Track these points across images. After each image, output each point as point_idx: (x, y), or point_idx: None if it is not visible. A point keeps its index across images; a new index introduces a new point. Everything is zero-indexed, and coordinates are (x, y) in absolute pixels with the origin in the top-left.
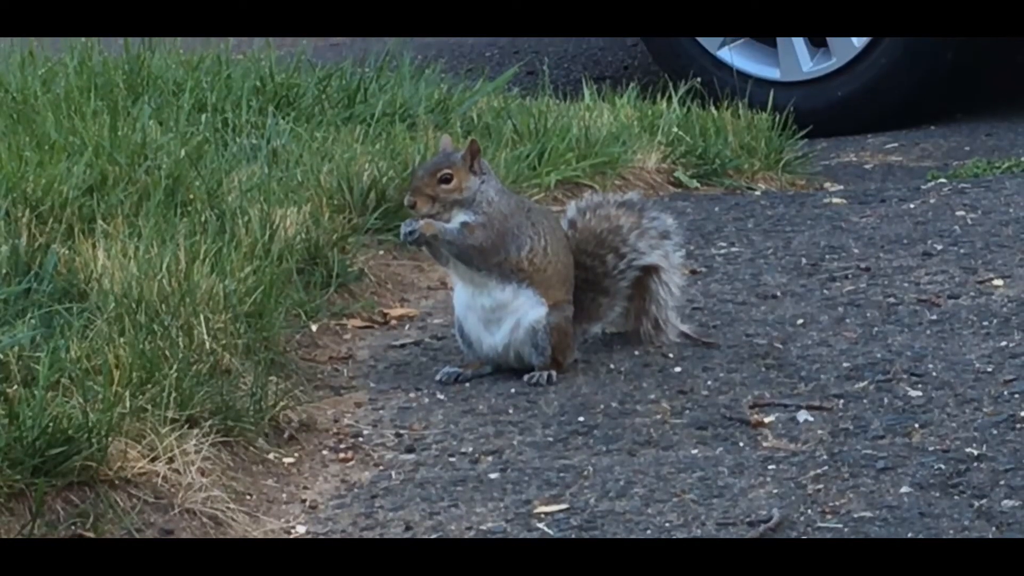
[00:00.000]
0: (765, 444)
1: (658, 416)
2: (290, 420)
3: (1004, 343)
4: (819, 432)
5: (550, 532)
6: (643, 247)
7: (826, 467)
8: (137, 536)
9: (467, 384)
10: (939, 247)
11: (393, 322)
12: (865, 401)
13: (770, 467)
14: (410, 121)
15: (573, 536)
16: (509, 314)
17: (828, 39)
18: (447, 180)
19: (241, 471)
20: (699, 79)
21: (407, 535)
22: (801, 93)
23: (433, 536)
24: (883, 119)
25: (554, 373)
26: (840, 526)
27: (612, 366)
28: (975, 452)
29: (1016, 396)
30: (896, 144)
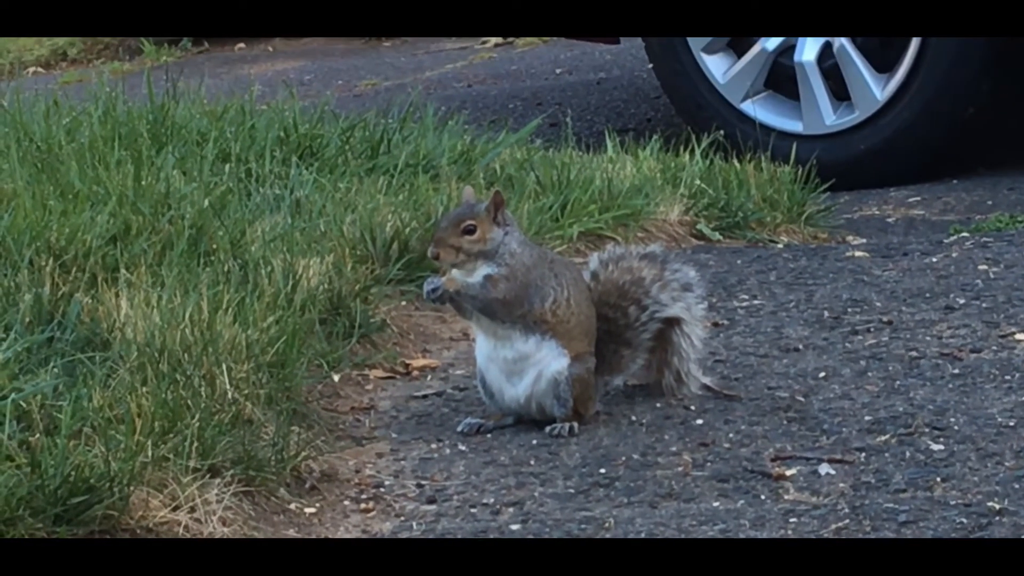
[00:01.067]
0: (786, 497)
1: (680, 468)
2: (311, 470)
3: None
4: (841, 485)
5: None
6: (665, 299)
7: (847, 520)
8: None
9: (489, 435)
10: (961, 301)
11: (415, 373)
12: (887, 454)
13: (791, 520)
14: (433, 172)
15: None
16: (531, 365)
17: (851, 93)
18: (471, 231)
19: (262, 521)
20: (722, 132)
21: None
22: (824, 146)
23: None
24: (906, 173)
25: (576, 425)
26: None
27: (634, 418)
28: (997, 506)
29: None
30: (919, 198)
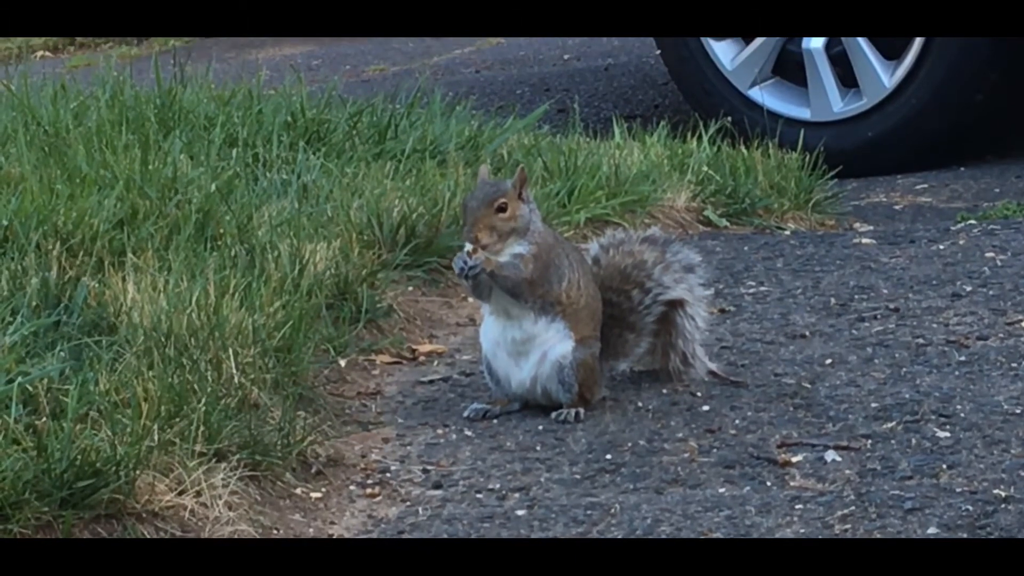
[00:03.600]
0: (792, 484)
1: (686, 455)
2: (318, 455)
3: None
4: (847, 472)
5: None
6: (668, 281)
7: (853, 507)
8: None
9: (495, 421)
10: (968, 288)
11: (421, 358)
12: (893, 442)
13: (797, 507)
14: (440, 158)
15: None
16: (536, 347)
17: (859, 80)
18: (503, 209)
19: (268, 505)
20: (729, 118)
21: None
22: (831, 133)
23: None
24: (913, 160)
25: (582, 411)
26: None
27: (640, 404)
28: (1003, 494)
29: None
30: (926, 185)
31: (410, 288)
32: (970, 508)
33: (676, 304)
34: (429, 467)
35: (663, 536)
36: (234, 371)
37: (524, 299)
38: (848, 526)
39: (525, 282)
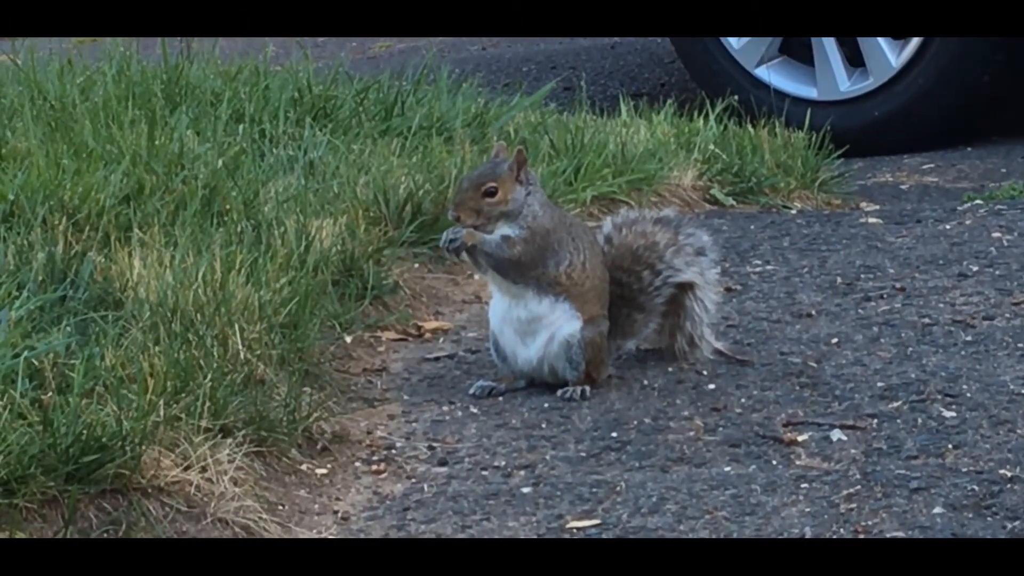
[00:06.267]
0: (798, 462)
1: (691, 433)
2: (323, 431)
3: None
4: (852, 451)
5: None
6: (679, 264)
7: (859, 486)
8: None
9: (501, 398)
10: (975, 268)
11: (427, 335)
12: (899, 421)
13: (803, 486)
14: (447, 135)
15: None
16: (544, 327)
17: (866, 59)
18: (491, 193)
19: (274, 481)
20: (736, 97)
21: None
22: (838, 112)
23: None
24: (920, 139)
25: (588, 388)
26: None
27: (646, 382)
28: (1008, 473)
29: None
30: (932, 165)
31: (416, 265)
32: (976, 488)
33: (686, 287)
34: (435, 444)
35: (668, 513)
36: (240, 347)
37: (511, 279)
38: (853, 505)
39: (508, 262)
